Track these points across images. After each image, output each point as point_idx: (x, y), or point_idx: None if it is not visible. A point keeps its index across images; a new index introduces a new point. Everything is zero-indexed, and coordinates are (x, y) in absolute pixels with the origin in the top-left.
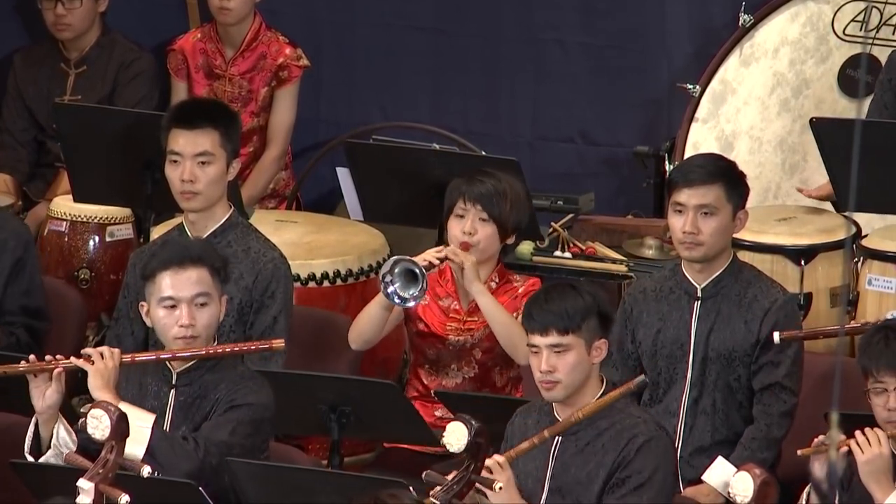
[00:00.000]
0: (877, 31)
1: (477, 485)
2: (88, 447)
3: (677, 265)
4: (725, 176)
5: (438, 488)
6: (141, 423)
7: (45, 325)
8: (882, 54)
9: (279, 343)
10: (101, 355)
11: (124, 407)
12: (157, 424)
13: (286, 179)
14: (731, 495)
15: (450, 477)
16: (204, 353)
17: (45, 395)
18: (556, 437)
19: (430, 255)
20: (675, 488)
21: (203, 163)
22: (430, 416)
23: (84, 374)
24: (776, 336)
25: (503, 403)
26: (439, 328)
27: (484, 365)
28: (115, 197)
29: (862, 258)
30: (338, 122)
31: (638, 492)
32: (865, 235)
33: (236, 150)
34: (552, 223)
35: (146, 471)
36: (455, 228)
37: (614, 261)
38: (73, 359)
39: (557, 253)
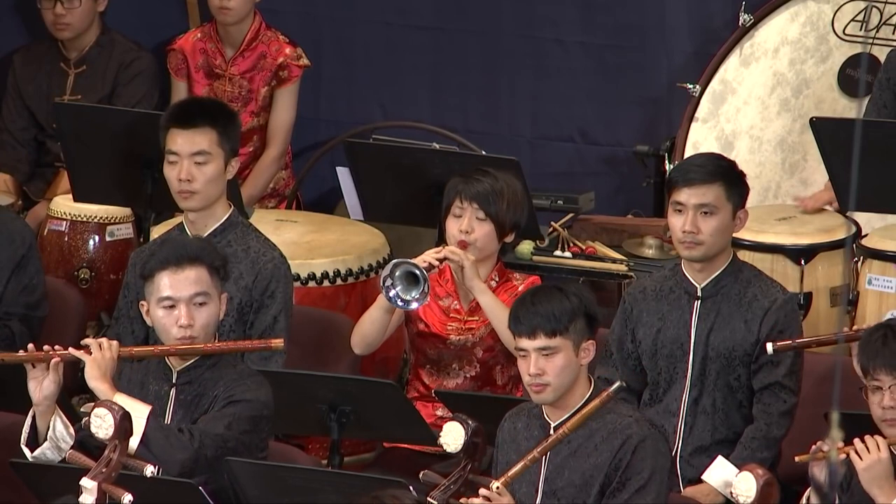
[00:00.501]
0: (877, 31)
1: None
2: (87, 442)
3: (677, 265)
4: (725, 175)
5: (436, 489)
6: (136, 414)
7: (41, 313)
8: (882, 54)
9: (278, 342)
10: (100, 346)
11: (120, 398)
12: (153, 415)
13: (286, 179)
14: (734, 495)
15: (447, 477)
16: (201, 348)
17: (42, 385)
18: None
19: (430, 256)
20: (672, 483)
21: (200, 162)
22: (431, 416)
23: (83, 370)
24: (769, 347)
25: (503, 403)
26: (440, 328)
27: (485, 364)
28: (114, 196)
29: (862, 258)
30: (337, 121)
31: (640, 493)
32: (865, 235)
33: (235, 150)
34: (552, 223)
35: (149, 470)
36: (452, 227)
37: (614, 260)
38: (71, 349)
39: (557, 252)
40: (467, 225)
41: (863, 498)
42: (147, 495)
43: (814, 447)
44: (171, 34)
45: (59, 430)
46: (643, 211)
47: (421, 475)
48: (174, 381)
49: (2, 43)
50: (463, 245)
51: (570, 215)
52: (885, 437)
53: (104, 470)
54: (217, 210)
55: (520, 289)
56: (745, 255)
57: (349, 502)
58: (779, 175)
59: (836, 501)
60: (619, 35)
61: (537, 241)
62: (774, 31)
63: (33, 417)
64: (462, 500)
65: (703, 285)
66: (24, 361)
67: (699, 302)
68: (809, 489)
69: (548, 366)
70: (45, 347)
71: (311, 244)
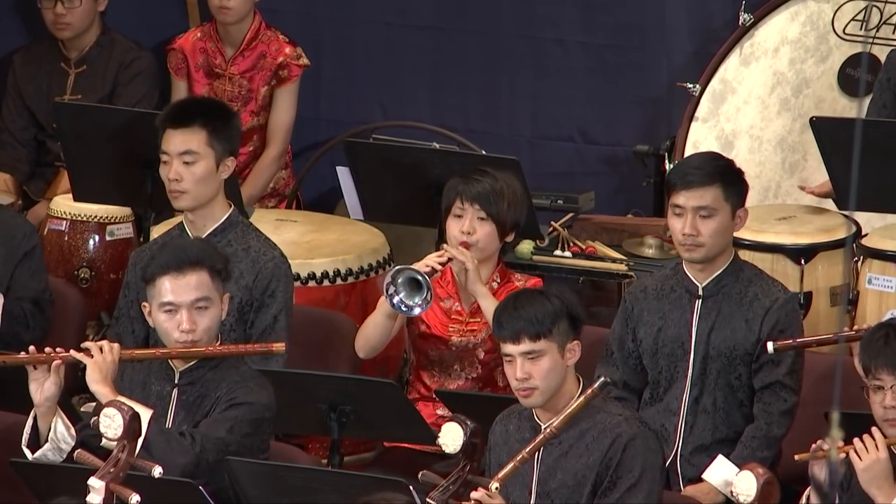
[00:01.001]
0: (877, 30)
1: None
2: (88, 442)
3: (678, 264)
4: (722, 176)
5: (435, 489)
6: None
7: (50, 297)
8: (882, 53)
9: (279, 346)
10: (101, 349)
11: (122, 401)
12: (155, 419)
13: (286, 178)
14: (734, 494)
15: (446, 478)
16: (203, 351)
17: (43, 387)
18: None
19: (432, 260)
20: (673, 482)
21: (188, 162)
22: (432, 416)
23: (84, 371)
24: (770, 346)
25: (503, 403)
26: (441, 330)
27: (486, 365)
28: (114, 196)
29: (862, 257)
30: (337, 120)
31: (632, 492)
32: (865, 234)
33: (230, 149)
34: (552, 222)
35: (157, 471)
36: (453, 228)
37: (614, 260)
38: (72, 351)
39: (557, 252)
40: (469, 226)
41: (863, 498)
42: (148, 495)
43: (814, 446)
44: (171, 34)
45: (61, 431)
46: (643, 211)
47: (420, 475)
48: (176, 381)
49: (2, 43)
50: (465, 246)
51: (570, 215)
52: (885, 435)
53: (112, 470)
54: (216, 210)
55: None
56: (745, 255)
57: (349, 503)
58: (779, 175)
59: (837, 501)
60: (619, 35)
61: (537, 241)
62: (774, 30)
63: (34, 419)
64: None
65: (704, 284)
66: (26, 363)
67: (700, 301)
68: (809, 488)
69: (534, 369)
70: (47, 350)
71: (311, 244)
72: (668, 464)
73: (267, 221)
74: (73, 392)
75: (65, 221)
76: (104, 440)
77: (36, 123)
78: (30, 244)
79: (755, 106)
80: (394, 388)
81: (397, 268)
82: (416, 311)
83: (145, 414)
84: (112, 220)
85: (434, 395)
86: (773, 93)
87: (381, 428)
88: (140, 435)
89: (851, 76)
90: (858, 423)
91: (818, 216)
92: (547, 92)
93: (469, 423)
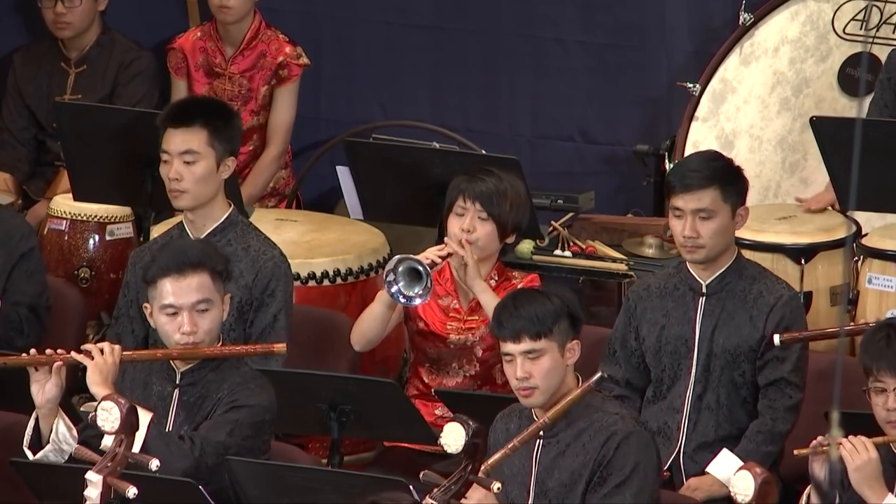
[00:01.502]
0: (877, 30)
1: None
2: (90, 443)
3: (682, 263)
4: (720, 177)
5: (436, 489)
6: None
7: (46, 302)
8: (882, 53)
9: (280, 347)
10: (101, 351)
11: (119, 395)
12: (154, 422)
13: (286, 178)
14: (732, 494)
15: (448, 478)
16: (204, 352)
17: (44, 389)
18: (538, 441)
19: (433, 252)
20: (659, 480)
21: (188, 161)
22: (431, 415)
23: (84, 371)
24: (776, 338)
25: (503, 402)
26: (440, 327)
27: (485, 363)
28: (114, 195)
29: (862, 257)
30: (338, 120)
31: (620, 489)
32: (865, 234)
33: (231, 149)
34: (552, 222)
35: (154, 464)
36: (454, 226)
37: (614, 259)
38: (73, 353)
39: (557, 252)
40: (469, 224)
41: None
42: (148, 495)
43: (814, 442)
44: (171, 33)
45: (62, 433)
46: (643, 210)
47: (421, 475)
48: (177, 382)
49: (2, 42)
50: (463, 245)
51: (570, 214)
52: (886, 436)
53: (109, 464)
54: (216, 209)
55: (519, 287)
56: (745, 255)
57: (349, 503)
58: (779, 174)
59: (837, 500)
60: (619, 34)
61: (537, 241)
62: (774, 30)
63: (36, 420)
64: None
65: (708, 282)
66: (27, 365)
67: (704, 298)
68: (809, 487)
69: (534, 369)
70: (48, 351)
71: (311, 243)
72: (671, 461)
73: (267, 221)
74: (73, 392)
75: (65, 221)
76: (104, 438)
77: (36, 123)
78: (27, 245)
79: (755, 105)
80: (394, 387)
81: (399, 257)
82: (416, 301)
83: (145, 417)
84: (112, 220)
85: (432, 393)
86: (773, 92)
87: (382, 428)
88: (137, 428)
89: (851, 76)
90: (858, 423)
91: (818, 216)
92: (547, 91)
93: (471, 423)
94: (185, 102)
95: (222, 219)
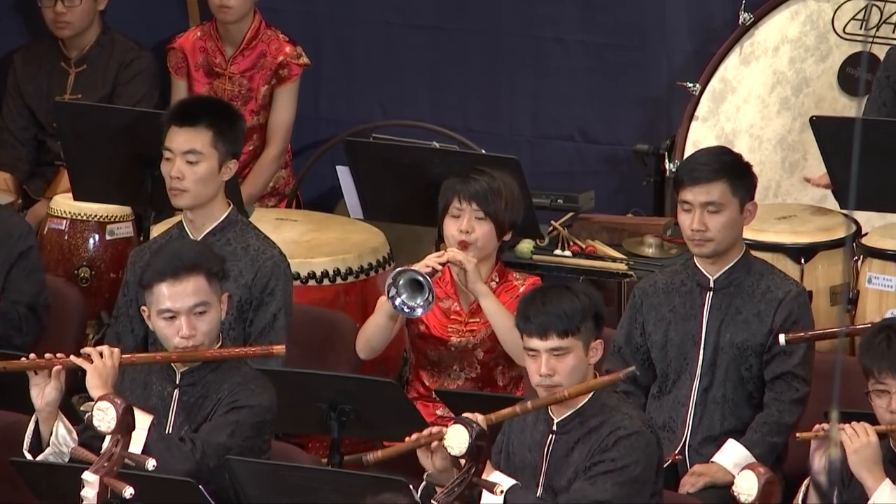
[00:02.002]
0: (877, 30)
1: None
2: (91, 444)
3: (689, 258)
4: (729, 171)
5: (440, 492)
6: (137, 424)
7: (45, 301)
8: (882, 52)
9: (279, 349)
10: (101, 354)
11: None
12: (155, 425)
13: (286, 177)
14: (736, 493)
15: (451, 480)
16: (203, 354)
17: (44, 392)
18: (551, 436)
19: (432, 260)
20: (657, 487)
21: (191, 161)
22: (431, 416)
23: (84, 372)
24: (781, 338)
25: (503, 402)
26: (440, 330)
27: (486, 365)
28: (114, 195)
29: (862, 256)
30: (337, 120)
31: (605, 476)
32: (865, 234)
33: (233, 152)
34: (552, 221)
35: (151, 464)
36: (451, 228)
37: (614, 259)
38: (72, 357)
39: (557, 251)
40: (467, 225)
41: (863, 494)
42: (148, 495)
43: (816, 426)
44: (171, 33)
45: (62, 435)
46: (643, 210)
47: (425, 476)
48: (177, 382)
49: (2, 42)
50: (463, 245)
51: (570, 214)
52: (888, 427)
53: (106, 464)
54: (215, 209)
55: (520, 290)
56: None
57: (349, 503)
58: (779, 174)
59: (836, 499)
60: (619, 34)
61: (537, 240)
62: (774, 29)
63: (36, 423)
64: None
65: (715, 277)
66: (27, 369)
67: (711, 293)
68: (807, 480)
69: (559, 366)
70: (47, 355)
71: (310, 243)
72: (675, 454)
73: (267, 220)
74: (73, 391)
75: (65, 221)
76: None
77: (36, 123)
78: (26, 244)
79: (755, 105)
80: (394, 387)
81: (398, 269)
82: (419, 311)
83: (145, 420)
84: (112, 220)
85: (433, 395)
86: (773, 92)
87: (381, 428)
88: (133, 428)
89: (851, 75)
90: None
91: (818, 215)
92: (547, 91)
93: (475, 425)
94: (191, 102)
95: (222, 218)
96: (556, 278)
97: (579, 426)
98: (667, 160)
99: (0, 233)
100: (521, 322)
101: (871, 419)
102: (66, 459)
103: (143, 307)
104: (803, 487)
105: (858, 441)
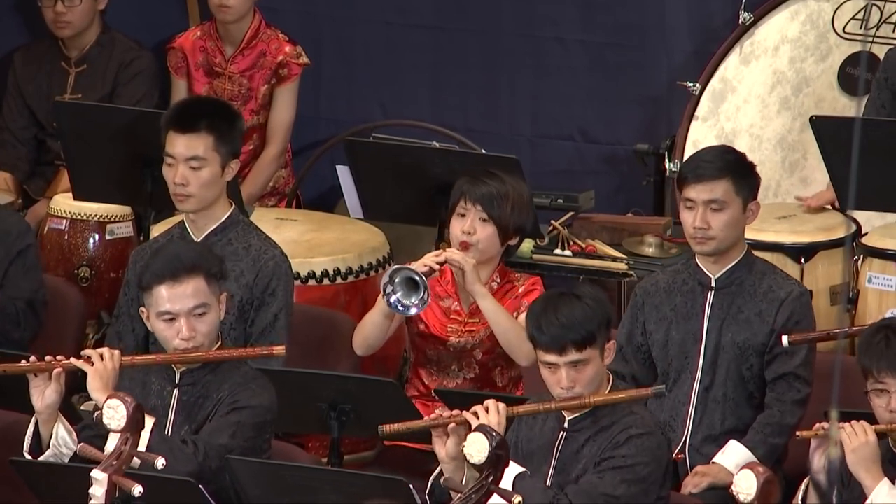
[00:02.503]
0: (877, 29)
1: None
2: (90, 444)
3: (691, 258)
4: (733, 170)
5: (457, 498)
6: None
7: (43, 297)
8: (882, 52)
9: (280, 349)
10: (101, 357)
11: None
12: (157, 427)
13: (286, 177)
14: (735, 493)
15: (468, 487)
16: (203, 356)
17: (44, 394)
18: (562, 433)
19: (430, 259)
20: (665, 489)
21: (195, 167)
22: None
23: (84, 373)
24: (784, 340)
25: (506, 401)
26: (440, 330)
27: (485, 365)
28: (115, 195)
29: (862, 256)
30: (337, 119)
31: (614, 472)
32: (865, 233)
33: (234, 152)
34: (552, 221)
35: (160, 462)
36: (455, 227)
37: (614, 259)
38: (73, 359)
39: (557, 251)
40: (470, 226)
41: (862, 493)
42: (148, 494)
43: (817, 425)
44: (171, 33)
45: (62, 436)
46: (643, 209)
47: (442, 482)
48: (177, 382)
49: (2, 42)
50: (465, 245)
51: (571, 214)
52: (888, 426)
53: (115, 462)
54: (217, 209)
55: (520, 290)
56: None
57: (349, 503)
58: (779, 173)
59: (835, 498)
60: (619, 34)
61: (537, 240)
62: (774, 29)
63: (36, 425)
64: (455, 413)
65: (717, 276)
66: (27, 372)
67: (713, 292)
68: (807, 479)
69: (579, 377)
70: (48, 358)
71: (311, 243)
72: (675, 453)
73: (267, 220)
74: (73, 391)
75: (65, 220)
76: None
77: (36, 122)
78: (24, 242)
79: (755, 105)
80: (394, 387)
81: (395, 267)
82: (413, 310)
83: (148, 421)
84: (112, 219)
85: (432, 394)
86: (773, 92)
87: None
88: (143, 427)
89: (851, 75)
90: None
91: (818, 215)
92: (547, 91)
93: (494, 433)
94: (189, 104)
95: (223, 218)
96: (557, 278)
97: (591, 425)
98: (667, 160)
99: None
100: (536, 334)
101: (871, 419)
102: (66, 461)
103: (142, 309)
104: (803, 486)
105: (857, 440)
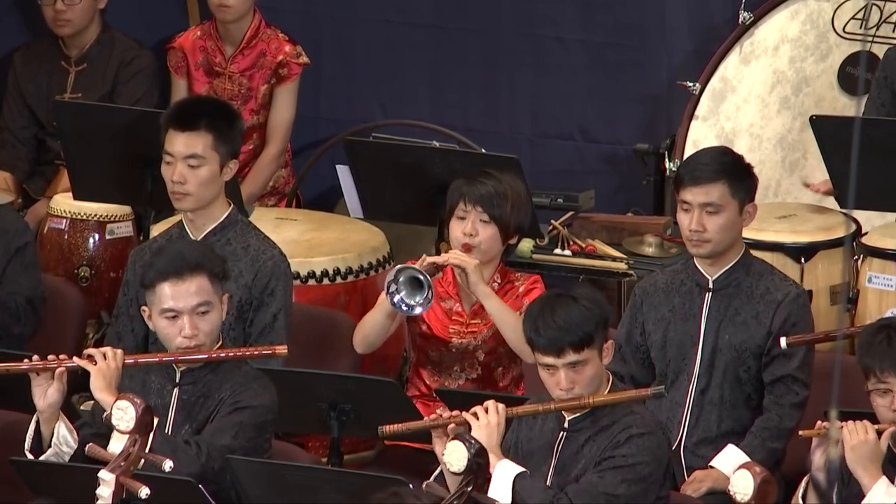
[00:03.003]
0: (877, 29)
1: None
2: (88, 443)
3: (689, 259)
4: (730, 173)
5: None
6: None
7: (42, 294)
8: (882, 52)
9: (282, 349)
10: (104, 356)
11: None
12: (159, 428)
13: (286, 177)
14: (732, 493)
15: (451, 493)
16: (205, 356)
17: (46, 394)
18: (562, 433)
19: (434, 260)
20: (665, 489)
21: (193, 165)
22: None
23: (85, 372)
24: (783, 341)
25: (506, 401)
26: (442, 331)
27: (487, 366)
28: (114, 194)
29: (862, 256)
30: (337, 119)
31: (615, 472)
32: (865, 233)
33: (233, 152)
34: (552, 221)
35: (168, 465)
36: (456, 230)
37: (614, 258)
38: (75, 359)
39: (557, 251)
40: (471, 228)
41: (861, 491)
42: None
43: (819, 423)
44: (171, 32)
45: (63, 435)
46: (643, 209)
47: (424, 486)
48: (177, 381)
49: (2, 41)
50: (467, 248)
51: (570, 213)
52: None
53: (123, 463)
54: (215, 209)
55: (520, 290)
56: None
57: (349, 502)
58: (779, 173)
59: (834, 495)
60: (619, 33)
61: (537, 240)
62: (774, 29)
63: (37, 424)
64: (454, 413)
65: (714, 277)
66: (29, 371)
67: (710, 294)
68: (807, 477)
69: (578, 378)
70: (50, 357)
71: (310, 242)
72: (671, 454)
73: (267, 220)
74: (73, 390)
75: (65, 220)
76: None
77: (36, 122)
78: (22, 240)
79: (755, 104)
80: (394, 386)
81: (399, 266)
82: (417, 310)
83: None
84: (112, 219)
85: (434, 394)
86: (773, 91)
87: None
88: (152, 429)
89: (851, 75)
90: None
91: (818, 215)
92: (547, 90)
93: (473, 441)
94: (189, 103)
95: (222, 218)
96: (556, 278)
97: (591, 425)
98: (667, 159)
99: None
100: (533, 335)
101: (871, 418)
102: (67, 460)
103: (144, 307)
104: (803, 484)
105: (857, 437)
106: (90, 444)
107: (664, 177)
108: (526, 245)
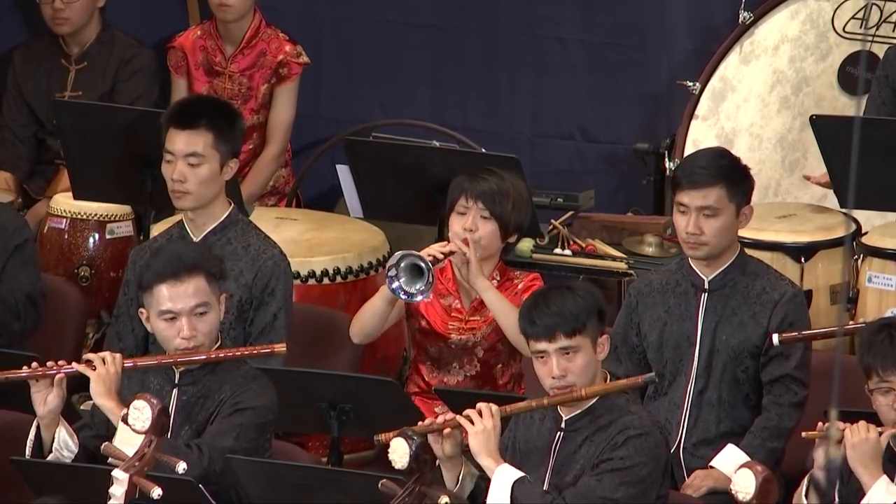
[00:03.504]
0: (877, 29)
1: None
2: (88, 445)
3: (684, 259)
4: (727, 176)
5: (392, 500)
6: None
7: (42, 290)
8: (882, 51)
9: (281, 347)
10: (103, 361)
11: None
12: None
13: (286, 177)
14: (733, 492)
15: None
16: (205, 357)
17: (46, 400)
18: (559, 433)
19: (436, 249)
20: (664, 489)
21: (193, 164)
22: (431, 413)
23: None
24: (775, 338)
25: (503, 400)
26: (441, 327)
27: (486, 363)
28: (115, 194)
29: (862, 255)
30: (337, 119)
31: (612, 474)
32: (865, 233)
33: (233, 151)
34: (552, 220)
35: (181, 467)
36: (456, 225)
37: (614, 258)
38: (74, 364)
39: (557, 250)
40: (471, 223)
41: (861, 489)
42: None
43: (820, 424)
44: (171, 32)
45: (64, 439)
46: (643, 209)
47: (380, 485)
48: (176, 381)
49: (2, 40)
50: (466, 244)
51: (570, 213)
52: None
53: (137, 463)
54: (216, 208)
55: (519, 287)
56: None
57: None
58: (779, 173)
59: (836, 497)
60: (619, 33)
61: (537, 239)
62: (774, 28)
63: (37, 429)
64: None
65: (710, 278)
66: (29, 378)
67: (706, 295)
68: (808, 476)
69: (570, 366)
70: (49, 363)
71: (310, 242)
72: (670, 455)
73: (267, 220)
74: (73, 390)
75: (65, 220)
76: (119, 434)
77: (36, 121)
78: (21, 237)
79: (755, 104)
80: (394, 386)
81: (401, 252)
82: (418, 298)
83: None
84: (112, 219)
85: (433, 391)
86: (773, 91)
87: (381, 426)
88: (168, 430)
89: (851, 74)
90: (857, 421)
91: (818, 214)
92: (547, 90)
93: (416, 437)
94: (189, 102)
95: (222, 217)
96: (556, 277)
97: (588, 425)
98: (667, 159)
99: None
100: (527, 326)
101: (871, 418)
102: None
103: (142, 310)
104: (805, 482)
105: (858, 436)
106: (106, 443)
107: (664, 176)
108: (526, 245)
